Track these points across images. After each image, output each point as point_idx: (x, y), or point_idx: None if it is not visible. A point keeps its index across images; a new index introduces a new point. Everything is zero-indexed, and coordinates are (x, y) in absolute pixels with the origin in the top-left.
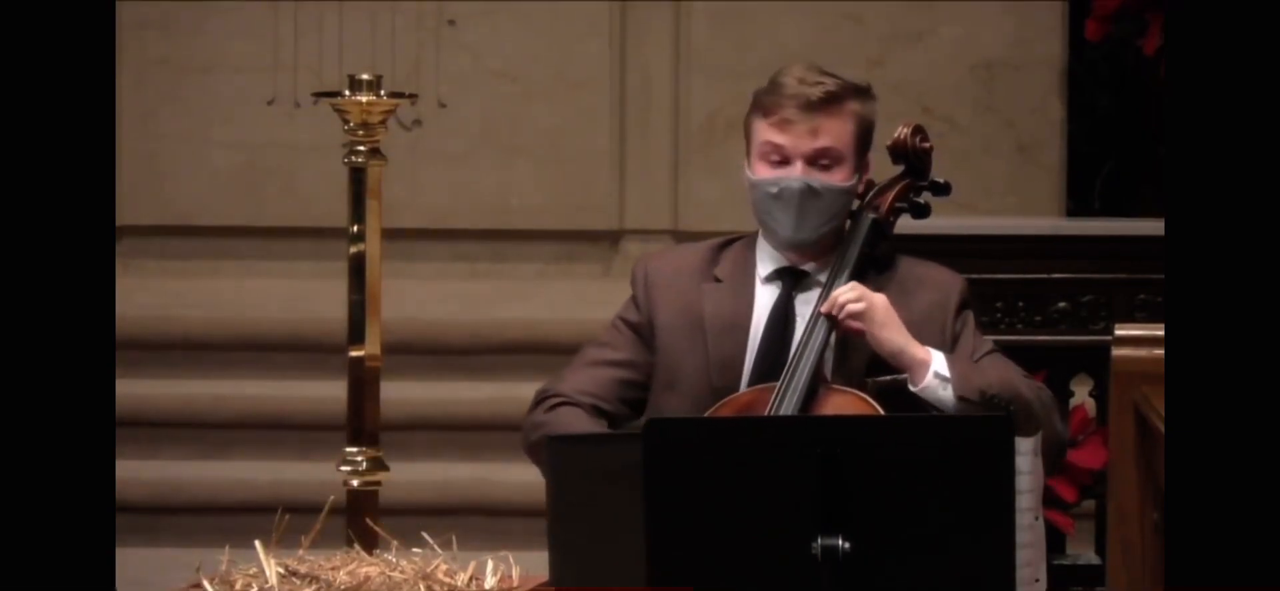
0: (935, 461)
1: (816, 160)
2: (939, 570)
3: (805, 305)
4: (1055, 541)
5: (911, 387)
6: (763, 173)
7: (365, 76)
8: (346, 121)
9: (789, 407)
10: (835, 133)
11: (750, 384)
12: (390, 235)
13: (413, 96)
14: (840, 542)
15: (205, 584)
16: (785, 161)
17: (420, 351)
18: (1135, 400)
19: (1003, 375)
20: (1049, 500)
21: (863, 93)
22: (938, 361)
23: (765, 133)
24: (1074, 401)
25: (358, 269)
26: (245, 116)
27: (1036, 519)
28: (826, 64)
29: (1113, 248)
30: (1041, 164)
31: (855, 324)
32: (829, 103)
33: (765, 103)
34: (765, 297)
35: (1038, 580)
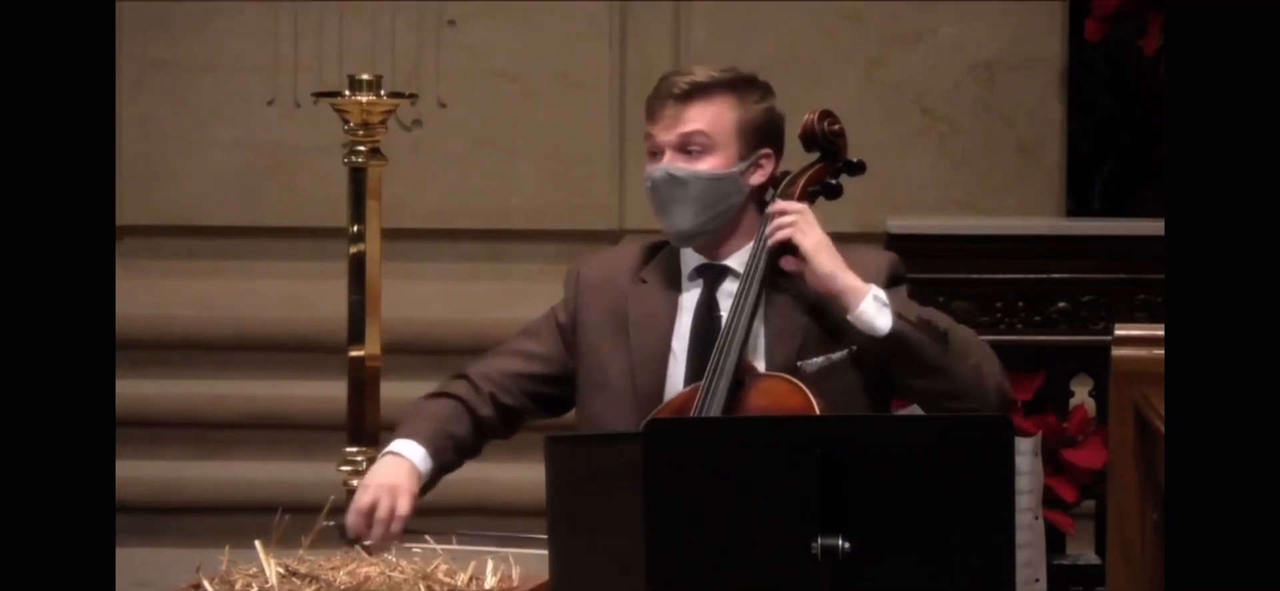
0: (935, 461)
1: (683, 147)
2: (939, 570)
3: (728, 299)
4: (1055, 541)
5: (847, 317)
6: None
7: (365, 76)
8: (346, 121)
9: (716, 403)
10: (702, 118)
11: (686, 384)
12: (390, 235)
13: (413, 96)
14: (840, 542)
15: (205, 584)
16: (657, 154)
17: (420, 351)
18: (1135, 400)
19: (942, 314)
20: (1049, 500)
21: (745, 83)
22: (876, 289)
23: (647, 130)
24: (1074, 401)
25: (358, 269)
26: (245, 116)
27: (1036, 519)
28: (826, 64)
29: (1113, 247)
30: (1041, 164)
31: (787, 234)
32: (694, 92)
33: (648, 104)
34: (690, 297)
35: (1038, 580)
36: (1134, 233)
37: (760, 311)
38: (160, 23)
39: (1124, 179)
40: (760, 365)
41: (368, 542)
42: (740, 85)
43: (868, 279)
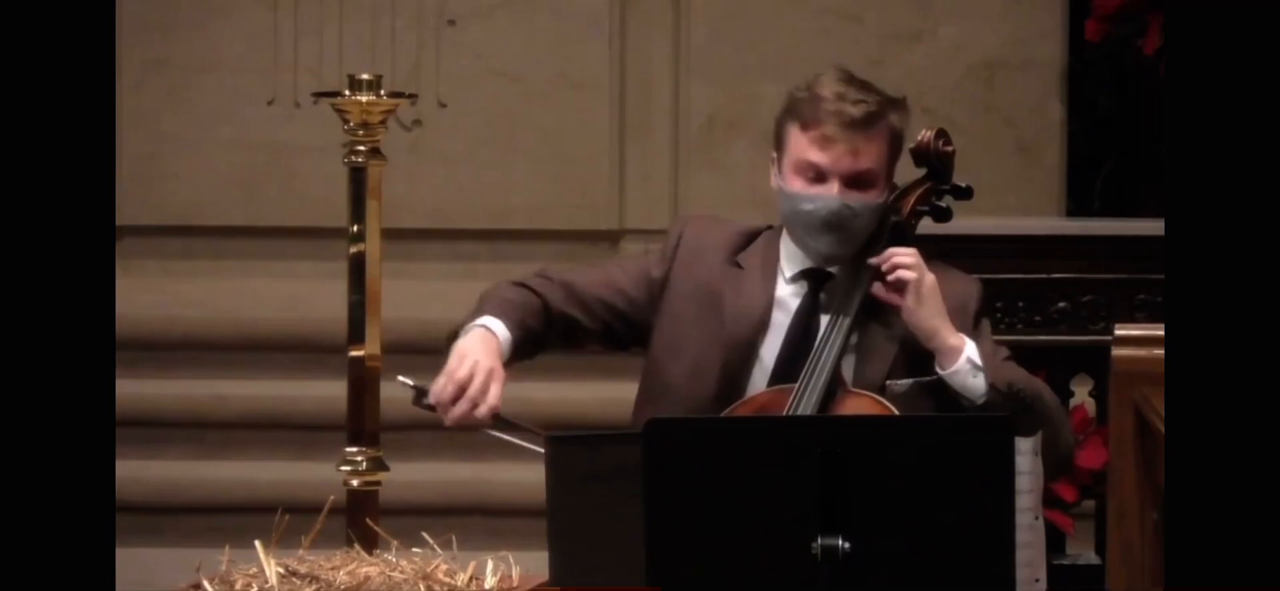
0: (935, 461)
1: (854, 181)
2: (939, 570)
3: (827, 308)
4: (1055, 541)
5: (940, 372)
6: (797, 187)
7: (365, 76)
8: (346, 121)
9: (806, 409)
10: (873, 154)
11: (770, 384)
12: (390, 235)
13: (413, 96)
14: (840, 542)
15: (205, 584)
16: (821, 179)
17: (420, 351)
18: (1135, 400)
19: (1027, 376)
20: (1049, 500)
21: (898, 106)
22: (970, 348)
23: (803, 149)
24: (1074, 401)
25: (358, 269)
26: (245, 116)
27: (1036, 519)
28: (826, 64)
29: (1113, 248)
30: (1041, 164)
31: (897, 291)
32: (869, 123)
33: (804, 114)
34: (786, 294)
35: (1038, 580)
36: (1134, 233)
37: (857, 327)
38: (160, 23)
39: (1124, 179)
40: (848, 378)
41: (448, 417)
42: (897, 108)
43: (958, 304)
